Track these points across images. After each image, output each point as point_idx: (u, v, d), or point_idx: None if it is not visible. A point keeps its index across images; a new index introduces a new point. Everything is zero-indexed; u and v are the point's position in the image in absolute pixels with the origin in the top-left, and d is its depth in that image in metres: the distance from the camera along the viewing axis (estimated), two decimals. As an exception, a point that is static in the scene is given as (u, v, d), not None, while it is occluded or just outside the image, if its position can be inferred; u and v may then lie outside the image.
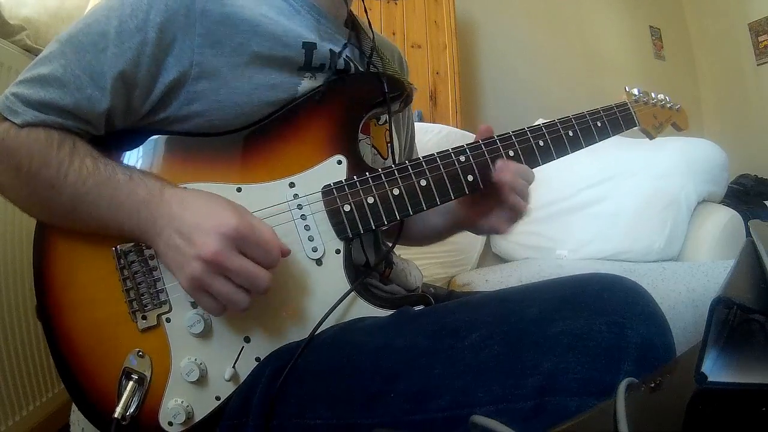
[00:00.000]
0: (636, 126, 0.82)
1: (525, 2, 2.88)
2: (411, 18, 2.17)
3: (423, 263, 1.14)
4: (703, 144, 1.66)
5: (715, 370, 0.34)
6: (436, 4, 2.23)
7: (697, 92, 3.66)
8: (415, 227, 0.87)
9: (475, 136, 0.69)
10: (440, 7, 2.23)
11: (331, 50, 0.67)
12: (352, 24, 0.78)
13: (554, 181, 1.71)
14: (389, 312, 0.62)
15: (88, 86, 0.57)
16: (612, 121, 0.78)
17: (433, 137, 1.64)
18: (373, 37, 0.77)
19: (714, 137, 1.83)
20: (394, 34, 2.12)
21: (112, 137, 0.62)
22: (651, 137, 0.87)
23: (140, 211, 0.55)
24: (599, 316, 0.49)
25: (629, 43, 3.37)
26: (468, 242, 1.74)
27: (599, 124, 0.76)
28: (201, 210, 0.54)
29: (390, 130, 0.71)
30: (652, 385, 0.38)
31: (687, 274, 1.25)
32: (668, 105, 0.90)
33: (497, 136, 0.69)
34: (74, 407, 0.71)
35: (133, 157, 0.62)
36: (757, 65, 3.27)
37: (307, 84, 0.65)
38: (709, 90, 3.62)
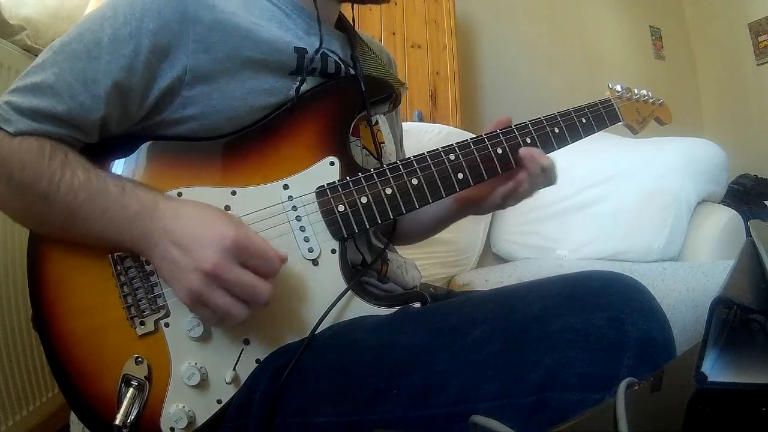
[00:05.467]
0: (620, 121, 0.84)
1: (525, 2, 2.88)
2: (411, 18, 2.17)
3: (423, 263, 1.14)
4: (703, 144, 1.66)
5: (715, 370, 0.34)
6: (436, 4, 2.23)
7: (697, 92, 3.66)
8: (408, 225, 0.87)
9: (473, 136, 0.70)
10: (440, 7, 2.23)
11: (322, 53, 0.67)
12: (343, 26, 0.78)
13: (554, 181, 1.71)
14: (387, 310, 0.62)
15: (80, 94, 0.57)
16: (596, 117, 0.79)
17: (433, 137, 1.63)
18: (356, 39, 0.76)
19: (714, 137, 1.83)
20: (394, 34, 2.12)
21: (105, 144, 0.61)
22: (635, 132, 0.88)
23: (133, 226, 0.55)
24: (600, 312, 0.49)
25: (629, 43, 3.37)
26: (468, 242, 1.74)
27: (584, 120, 0.77)
28: (197, 222, 0.54)
29: (370, 129, 0.71)
30: (652, 385, 0.38)
31: (687, 274, 1.25)
32: (651, 100, 0.91)
33: (485, 134, 0.70)
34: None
35: (127, 164, 0.61)
36: (757, 65, 3.27)
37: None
38: (709, 90, 3.63)
